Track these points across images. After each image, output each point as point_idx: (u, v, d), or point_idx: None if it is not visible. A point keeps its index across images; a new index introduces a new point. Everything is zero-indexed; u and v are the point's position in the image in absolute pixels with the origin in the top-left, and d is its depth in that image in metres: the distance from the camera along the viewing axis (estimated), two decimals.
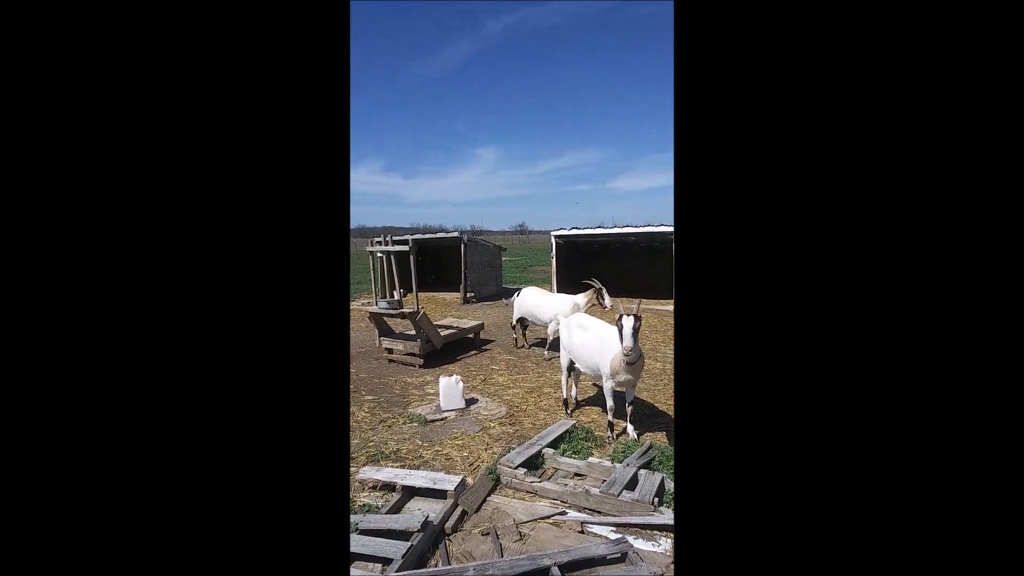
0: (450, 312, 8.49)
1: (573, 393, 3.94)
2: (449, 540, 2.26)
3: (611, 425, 3.32)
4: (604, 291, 5.01)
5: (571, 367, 3.72)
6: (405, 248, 5.15)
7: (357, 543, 2.12)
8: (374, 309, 5.34)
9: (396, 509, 2.46)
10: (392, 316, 5.26)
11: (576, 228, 9.72)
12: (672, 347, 5.75)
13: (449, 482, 2.57)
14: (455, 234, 9.86)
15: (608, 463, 2.78)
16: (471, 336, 6.19)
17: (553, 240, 9.75)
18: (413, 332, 5.26)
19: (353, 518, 2.33)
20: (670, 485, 2.61)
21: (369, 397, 4.33)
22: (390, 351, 5.40)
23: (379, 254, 5.61)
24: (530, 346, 6.13)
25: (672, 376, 4.64)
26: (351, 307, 9.41)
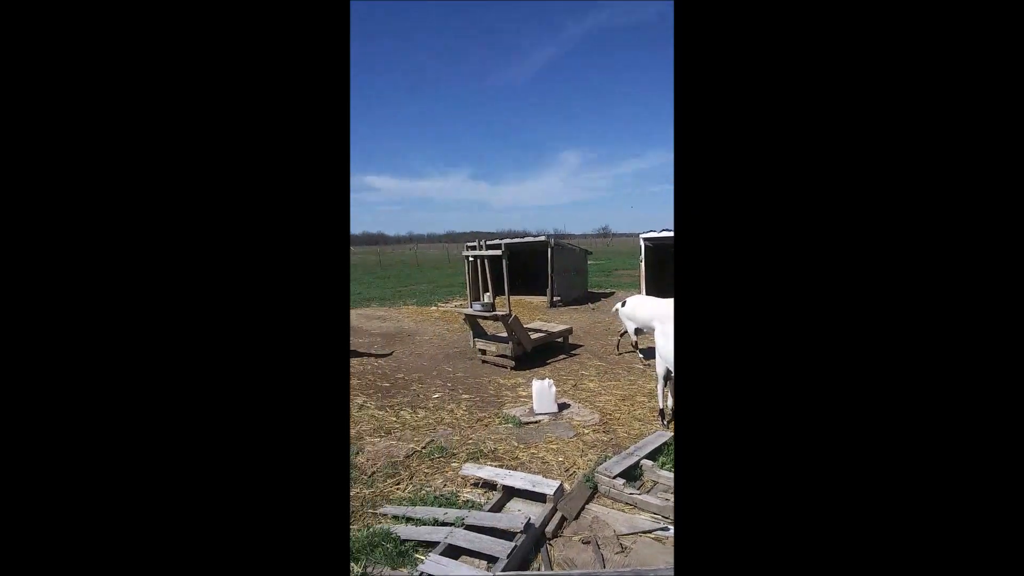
0: (537, 316, 8.58)
1: (669, 403, 3.82)
2: (550, 545, 2.30)
3: None
4: None
5: (668, 376, 3.61)
6: (498, 252, 5.31)
7: (463, 538, 2.24)
8: (469, 311, 5.57)
9: (497, 508, 2.56)
10: (485, 318, 5.45)
11: (667, 230, 9.37)
12: None
13: (548, 486, 2.62)
14: (542, 238, 9.96)
15: None
16: (560, 340, 6.22)
17: (642, 242, 9.48)
18: (505, 334, 5.41)
19: (459, 512, 2.46)
20: None
21: (466, 396, 4.53)
22: (483, 352, 5.60)
23: (470, 258, 5.84)
24: (620, 353, 6.03)
25: None
26: (446, 308, 9.86)
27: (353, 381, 5.10)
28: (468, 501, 2.67)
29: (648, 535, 2.35)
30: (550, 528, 2.39)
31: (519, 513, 2.43)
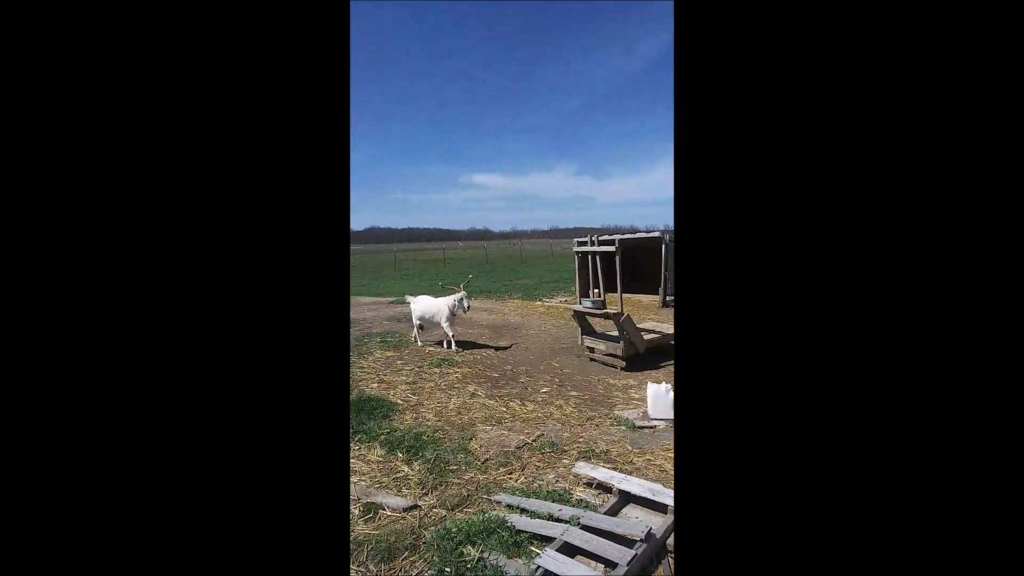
0: (649, 315, 8.23)
1: None
2: (672, 558, 2.17)
3: None
4: None
5: None
6: (611, 248, 5.15)
7: (579, 537, 2.20)
8: (578, 308, 5.49)
9: (613, 512, 2.47)
10: (595, 316, 5.33)
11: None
12: None
13: (668, 496, 2.47)
14: (655, 234, 9.51)
15: None
16: (675, 343, 5.88)
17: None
18: (615, 333, 5.25)
19: (573, 511, 2.42)
20: None
21: (575, 393, 4.47)
22: (592, 350, 5.49)
23: (580, 254, 5.74)
24: None
25: None
26: (551, 303, 9.89)
27: (463, 370, 5.30)
28: (581, 500, 2.61)
29: None
30: (671, 541, 2.25)
31: (638, 520, 2.32)
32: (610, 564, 2.06)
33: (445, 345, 6.33)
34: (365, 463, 3.18)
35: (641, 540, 2.13)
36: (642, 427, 3.65)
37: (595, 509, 2.48)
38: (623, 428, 3.63)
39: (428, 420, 3.91)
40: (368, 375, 5.19)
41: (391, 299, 11.69)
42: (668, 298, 9.43)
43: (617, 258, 5.14)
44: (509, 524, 2.35)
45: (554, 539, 2.21)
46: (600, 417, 3.88)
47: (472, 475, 2.98)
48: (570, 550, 2.17)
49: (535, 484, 2.82)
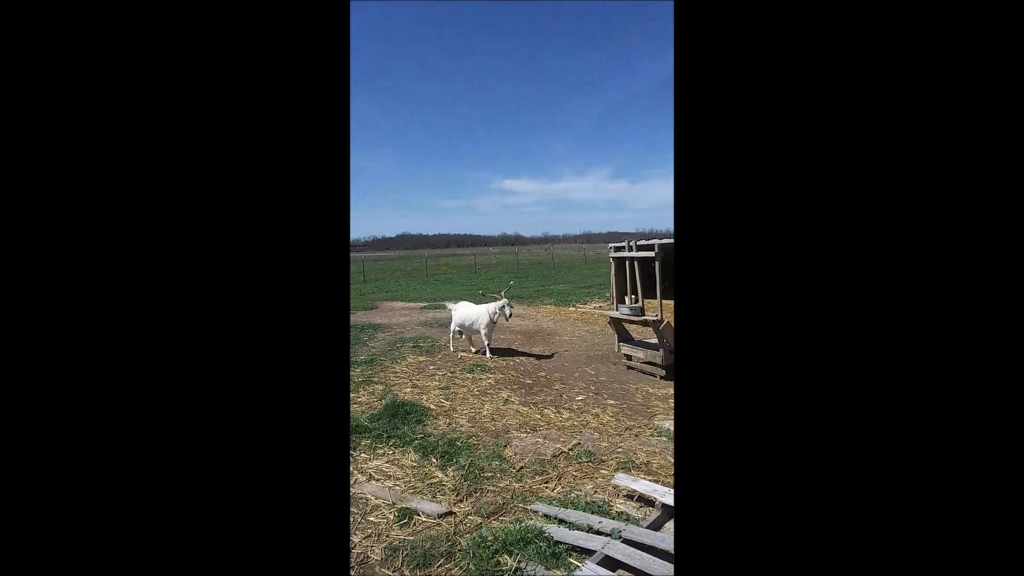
0: None
1: None
2: None
3: None
4: None
5: None
6: (651, 253, 5.02)
7: (621, 551, 2.10)
8: (615, 314, 5.36)
9: (656, 527, 2.36)
10: (633, 323, 5.20)
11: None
12: None
13: None
14: None
15: None
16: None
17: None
18: (653, 340, 5.09)
19: (614, 524, 2.32)
20: None
21: (612, 402, 4.35)
22: (629, 357, 5.35)
23: (617, 259, 5.62)
24: None
25: None
26: (584, 309, 9.75)
27: (496, 376, 5.26)
28: (622, 513, 2.51)
29: None
30: None
31: None
32: None
33: (480, 352, 6.28)
34: (399, 468, 3.16)
35: None
36: None
37: (637, 523, 2.37)
38: (664, 439, 3.49)
39: (462, 426, 3.87)
40: (401, 379, 5.21)
41: (423, 304, 11.81)
42: None
43: (656, 263, 5.00)
44: (547, 534, 2.28)
45: (594, 552, 2.12)
46: (639, 427, 3.75)
47: (507, 483, 2.91)
48: (611, 564, 2.08)
49: (572, 494, 2.73)
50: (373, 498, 2.77)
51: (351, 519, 2.56)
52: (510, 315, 6.03)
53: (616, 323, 5.50)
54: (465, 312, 6.32)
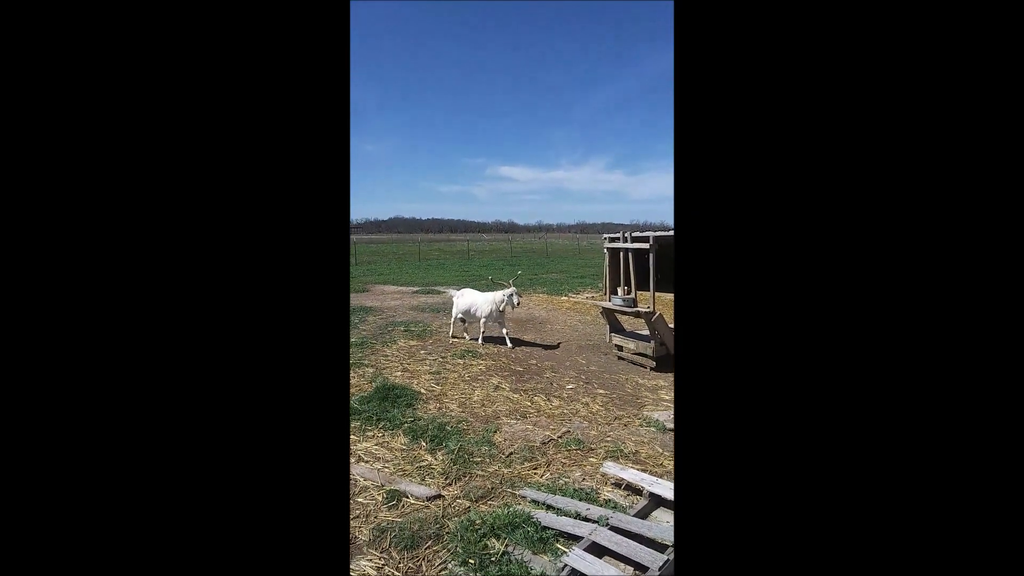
0: None
1: None
2: None
3: None
4: None
5: None
6: (645, 246, 5.02)
7: (608, 538, 2.12)
8: (608, 305, 5.37)
9: (643, 515, 2.38)
10: (626, 314, 5.21)
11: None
12: None
13: None
14: None
15: None
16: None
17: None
18: (645, 332, 5.11)
19: (601, 511, 2.34)
20: None
21: (602, 391, 4.38)
22: (620, 348, 5.37)
23: (611, 250, 5.61)
24: None
25: None
26: (577, 299, 9.77)
27: (487, 363, 5.26)
28: (609, 501, 2.53)
29: None
30: None
31: (670, 525, 2.22)
32: (640, 567, 1.98)
33: (496, 340, 6.17)
34: (389, 450, 3.16)
35: (673, 545, 2.04)
36: (672, 429, 3.53)
37: (624, 511, 2.40)
38: (653, 429, 3.52)
39: (452, 411, 3.88)
40: (392, 363, 5.20)
41: (415, 288, 11.76)
42: None
43: (651, 256, 5.00)
44: (535, 520, 2.29)
45: (582, 538, 2.14)
46: (628, 417, 3.77)
47: (496, 468, 2.93)
48: (598, 550, 2.10)
49: (561, 481, 2.75)
50: (362, 479, 2.77)
51: None
52: (518, 303, 5.88)
53: (608, 314, 5.52)
54: (470, 300, 6.13)
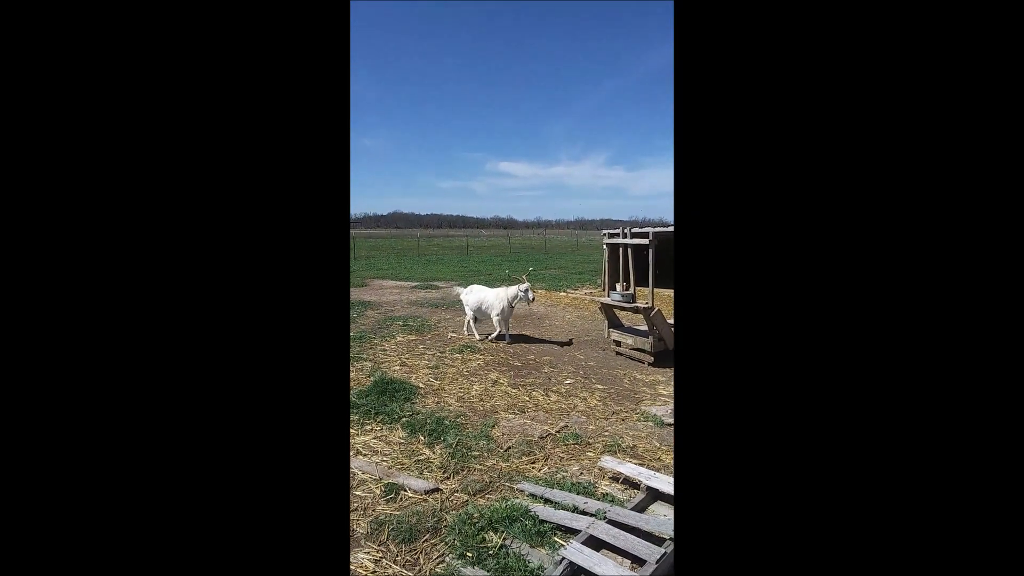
0: None
1: None
2: None
3: None
4: None
5: None
6: (644, 241, 5.01)
7: (606, 532, 2.12)
8: (607, 300, 5.37)
9: (641, 508, 2.39)
10: (624, 310, 5.21)
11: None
12: None
13: None
14: None
15: None
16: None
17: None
18: (643, 328, 5.11)
19: (599, 505, 2.35)
20: None
21: (600, 387, 4.38)
22: (618, 343, 5.38)
23: (610, 246, 5.60)
24: None
25: None
26: (575, 295, 9.76)
27: (486, 357, 5.26)
28: (607, 495, 2.54)
29: None
30: None
31: (667, 518, 2.23)
32: (638, 560, 1.99)
33: (498, 338, 6.02)
34: (387, 444, 3.16)
35: (670, 538, 2.05)
36: (670, 424, 3.53)
37: (622, 504, 2.40)
38: (651, 424, 3.53)
39: (450, 405, 3.88)
40: (390, 357, 5.20)
41: (414, 283, 11.75)
42: None
43: (650, 251, 5.00)
44: (533, 513, 2.30)
45: (579, 531, 2.15)
46: (626, 412, 3.78)
47: (494, 462, 2.93)
48: (595, 544, 2.10)
49: (559, 475, 2.75)
50: (360, 472, 2.77)
51: None
52: (532, 298, 5.78)
53: (607, 309, 5.52)
54: (480, 296, 5.99)
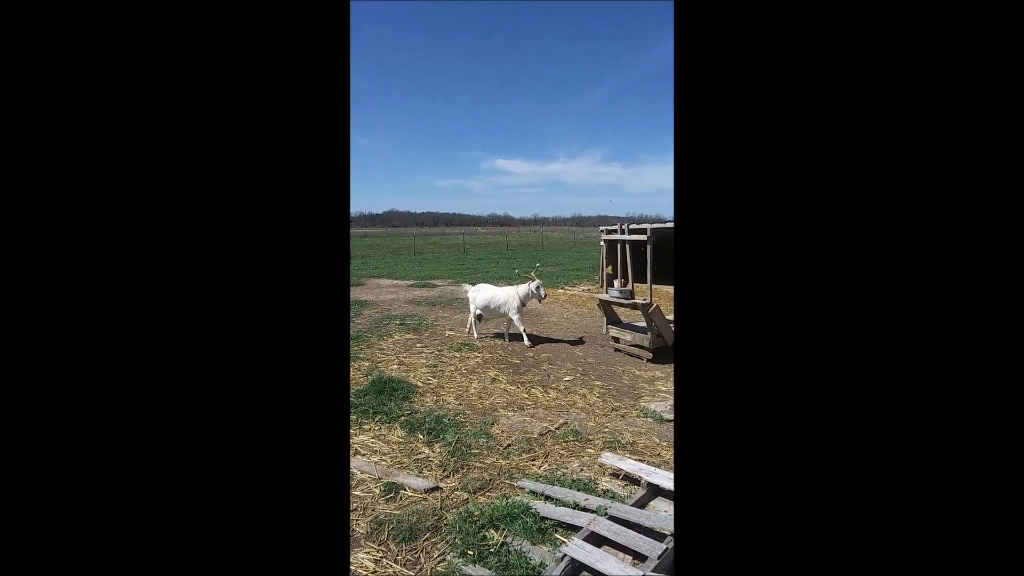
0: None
1: None
2: None
3: None
4: None
5: None
6: (642, 237, 5.01)
7: (607, 528, 2.12)
8: (605, 297, 5.37)
9: (641, 505, 2.38)
10: (623, 306, 5.21)
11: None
12: None
13: None
14: None
15: None
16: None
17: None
18: (642, 324, 5.11)
19: (600, 501, 2.34)
20: None
21: (599, 383, 4.38)
22: (616, 340, 5.37)
23: (608, 242, 5.59)
24: None
25: None
26: (573, 292, 9.76)
27: (484, 355, 5.25)
28: (608, 491, 2.53)
29: None
30: None
31: (667, 514, 2.22)
32: (639, 556, 1.98)
33: (508, 339, 5.90)
34: (386, 443, 3.15)
35: (671, 534, 2.04)
36: (670, 420, 3.53)
37: (623, 500, 2.40)
38: (650, 420, 3.53)
39: (449, 403, 3.86)
40: (388, 356, 5.18)
41: (411, 282, 11.71)
42: None
43: (648, 247, 5.00)
44: (533, 511, 2.29)
45: (580, 528, 2.14)
46: (626, 408, 3.77)
47: (494, 460, 2.92)
48: (597, 540, 2.10)
49: (559, 472, 2.75)
50: (359, 472, 2.76)
51: None
52: (544, 296, 5.69)
53: (605, 306, 5.51)
54: (489, 295, 5.77)
